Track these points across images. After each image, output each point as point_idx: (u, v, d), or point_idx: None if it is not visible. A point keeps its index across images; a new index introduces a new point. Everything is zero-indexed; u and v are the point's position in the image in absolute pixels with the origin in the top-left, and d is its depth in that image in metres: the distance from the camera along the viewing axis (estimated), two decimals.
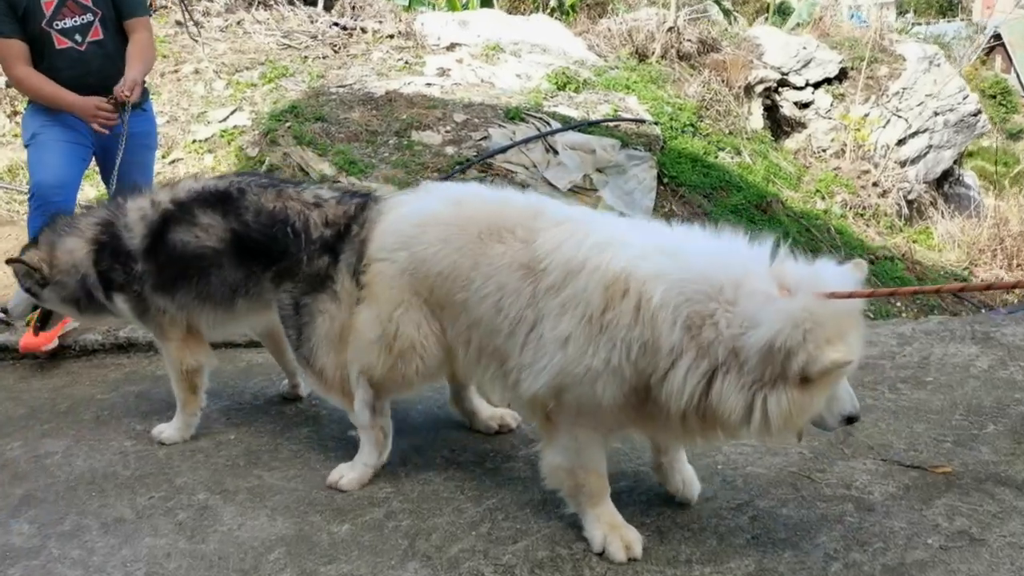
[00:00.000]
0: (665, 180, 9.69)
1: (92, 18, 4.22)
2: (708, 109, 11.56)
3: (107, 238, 3.21)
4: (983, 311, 8.34)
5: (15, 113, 9.81)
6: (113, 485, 3.04)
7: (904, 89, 13.50)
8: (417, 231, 2.66)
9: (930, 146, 13.67)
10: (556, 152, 9.25)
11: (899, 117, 13.35)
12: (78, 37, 4.20)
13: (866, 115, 13.27)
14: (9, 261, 3.37)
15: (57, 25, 4.15)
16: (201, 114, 9.70)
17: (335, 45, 11.35)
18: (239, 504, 2.85)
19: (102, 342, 4.55)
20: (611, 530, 2.45)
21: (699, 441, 2.39)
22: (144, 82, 4.31)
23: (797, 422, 2.14)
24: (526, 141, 9.25)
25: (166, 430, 3.35)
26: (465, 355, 2.67)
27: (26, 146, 4.31)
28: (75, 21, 4.18)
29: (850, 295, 2.09)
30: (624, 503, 2.67)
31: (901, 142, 13.34)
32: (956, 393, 3.38)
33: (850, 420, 2.24)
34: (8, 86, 10.03)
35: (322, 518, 2.74)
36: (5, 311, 3.59)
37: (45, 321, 3.70)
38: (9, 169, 8.98)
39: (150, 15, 4.50)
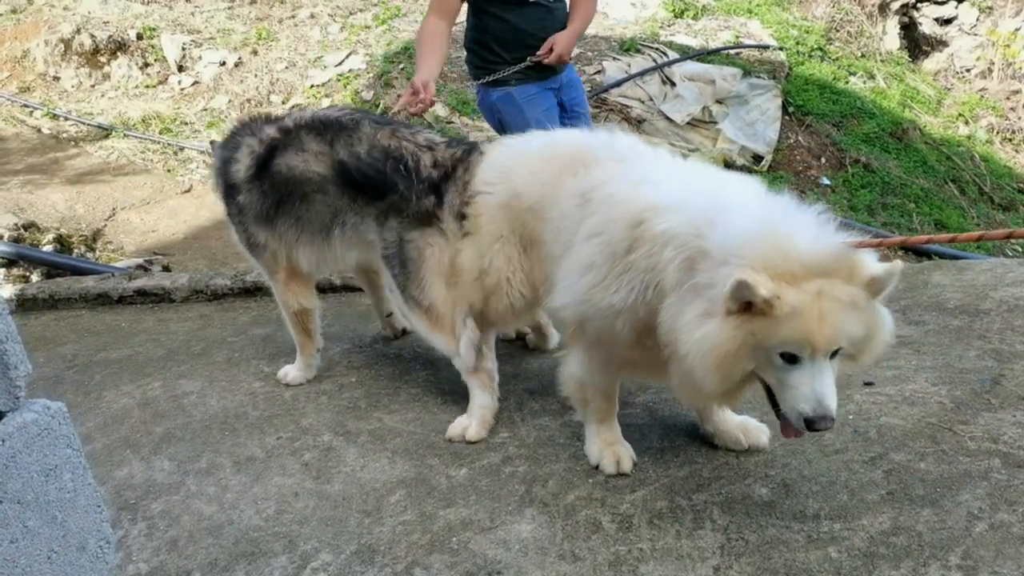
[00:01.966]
0: (790, 109, 9.22)
1: None
2: (838, 31, 10.87)
3: (224, 175, 3.30)
4: None
5: (146, 65, 10.23)
6: (244, 425, 3.17)
7: None
8: (514, 163, 2.74)
9: None
10: (673, 84, 8.91)
11: None
12: None
13: (1017, 29, 12.13)
14: (211, 142, 3.74)
15: None
16: (318, 59, 9.85)
17: None
18: (361, 446, 2.92)
19: (231, 287, 4.74)
20: (606, 446, 2.60)
21: (690, 396, 2.26)
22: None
23: (709, 360, 1.92)
24: (641, 74, 8.96)
25: (290, 371, 3.48)
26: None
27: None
28: None
29: (860, 244, 1.91)
30: (746, 455, 2.58)
31: None
32: None
33: (809, 425, 1.93)
34: (143, 37, 10.46)
35: (440, 461, 2.77)
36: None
37: None
38: (143, 119, 9.41)
39: None
